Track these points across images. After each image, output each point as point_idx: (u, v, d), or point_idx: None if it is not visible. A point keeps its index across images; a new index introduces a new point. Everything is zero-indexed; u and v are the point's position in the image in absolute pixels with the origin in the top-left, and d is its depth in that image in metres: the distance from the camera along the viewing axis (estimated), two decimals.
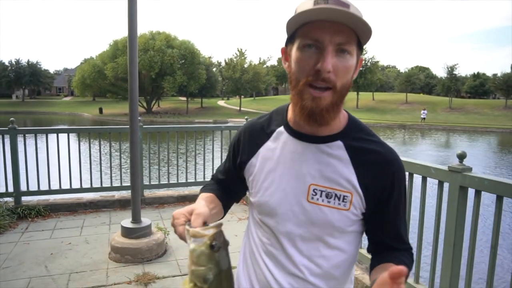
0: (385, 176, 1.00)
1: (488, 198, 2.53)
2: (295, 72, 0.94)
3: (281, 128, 1.06)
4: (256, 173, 1.09)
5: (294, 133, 1.03)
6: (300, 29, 0.91)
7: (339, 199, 0.98)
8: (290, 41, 0.96)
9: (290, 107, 1.06)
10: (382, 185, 1.00)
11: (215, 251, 0.79)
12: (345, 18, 0.86)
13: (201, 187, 1.30)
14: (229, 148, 1.21)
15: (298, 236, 1.03)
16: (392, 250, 1.06)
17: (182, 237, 0.88)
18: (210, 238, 0.79)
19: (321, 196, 0.99)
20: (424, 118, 44.33)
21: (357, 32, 0.90)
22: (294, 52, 0.94)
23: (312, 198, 0.99)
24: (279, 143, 1.05)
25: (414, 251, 2.88)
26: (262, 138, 1.09)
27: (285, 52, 0.99)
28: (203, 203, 0.97)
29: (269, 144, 1.07)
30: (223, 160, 1.28)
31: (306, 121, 0.94)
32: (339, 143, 1.00)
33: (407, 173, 2.89)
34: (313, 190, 0.99)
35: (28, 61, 77.04)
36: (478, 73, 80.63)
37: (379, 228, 1.06)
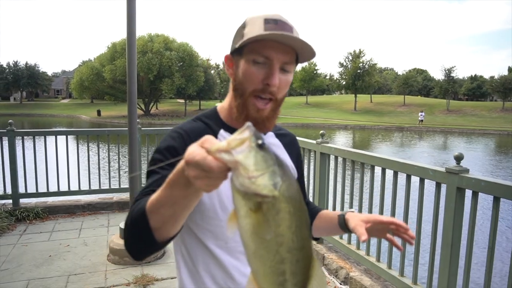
0: (296, 149, 1.32)
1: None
2: (243, 82, 1.05)
3: (222, 131, 1.12)
4: None
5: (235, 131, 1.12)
6: (251, 44, 1.02)
7: None
8: (238, 52, 1.06)
9: (222, 111, 1.16)
10: (296, 156, 1.30)
11: (266, 150, 0.66)
12: (294, 42, 1.00)
13: None
14: (168, 155, 1.03)
15: None
16: (308, 204, 1.33)
17: (213, 167, 0.64)
18: (253, 139, 0.65)
19: None
20: (422, 120, 44.41)
21: (298, 53, 1.05)
22: (243, 64, 1.05)
23: None
24: None
25: (412, 252, 2.89)
26: None
27: (231, 59, 1.10)
28: None
29: None
30: (153, 175, 1.01)
31: None
32: (271, 133, 1.22)
33: (404, 175, 2.91)
34: None
35: (26, 63, 76.90)
36: (475, 75, 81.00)
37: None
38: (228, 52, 1.12)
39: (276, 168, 0.65)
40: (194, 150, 0.67)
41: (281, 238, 0.66)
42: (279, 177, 0.65)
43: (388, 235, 1.10)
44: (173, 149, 1.04)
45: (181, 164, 0.73)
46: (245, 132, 0.66)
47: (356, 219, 1.10)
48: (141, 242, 0.86)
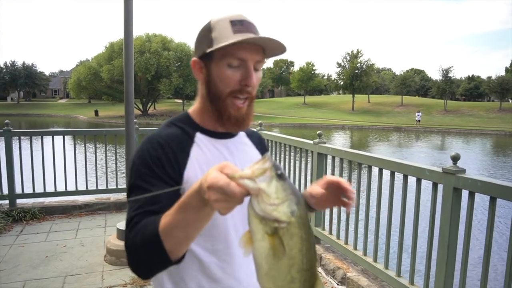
0: (264, 146, 1.34)
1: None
2: (218, 86, 1.07)
3: (198, 134, 1.13)
4: (198, 178, 0.97)
5: (213, 134, 1.14)
6: (223, 48, 1.02)
7: None
8: (207, 56, 1.07)
9: (195, 114, 1.15)
10: (264, 151, 1.28)
11: (284, 179, 0.73)
12: (265, 42, 1.04)
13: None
14: (153, 167, 1.00)
15: (240, 223, 1.08)
16: None
17: (236, 193, 0.71)
18: (273, 169, 0.73)
19: None
20: (419, 121, 44.52)
21: (265, 49, 1.08)
22: (216, 67, 1.06)
23: None
24: (204, 147, 1.11)
25: (409, 252, 2.88)
26: (188, 144, 1.09)
27: (199, 64, 1.10)
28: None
29: (196, 148, 1.09)
30: (142, 191, 0.98)
31: (233, 127, 1.12)
32: (242, 133, 1.24)
33: (401, 175, 2.91)
34: None
35: (24, 63, 76.81)
36: (473, 75, 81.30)
37: None
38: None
39: (293, 197, 0.73)
40: (217, 176, 0.72)
41: (292, 260, 0.73)
42: (295, 205, 0.72)
43: (342, 199, 1.08)
44: (157, 159, 1.02)
45: (194, 188, 0.78)
46: (267, 163, 0.73)
47: (311, 185, 1.14)
48: (156, 263, 0.88)
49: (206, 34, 1.07)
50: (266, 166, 0.72)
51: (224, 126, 1.11)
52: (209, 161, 1.08)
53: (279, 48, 1.07)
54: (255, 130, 1.36)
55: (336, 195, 1.08)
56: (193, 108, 1.18)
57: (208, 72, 1.08)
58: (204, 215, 0.80)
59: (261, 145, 1.32)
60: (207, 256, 1.06)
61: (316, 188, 1.09)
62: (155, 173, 1.00)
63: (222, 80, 1.05)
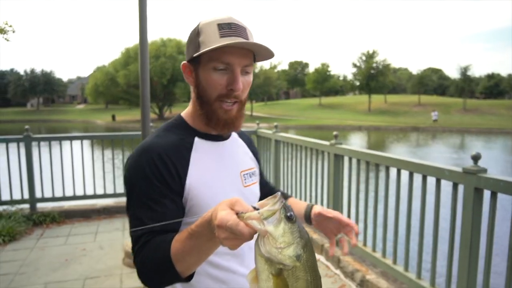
0: (254, 147, 1.36)
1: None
2: (206, 90, 1.07)
3: (196, 139, 1.13)
4: (200, 183, 1.07)
5: (210, 137, 1.15)
6: (209, 52, 1.03)
7: (254, 175, 1.26)
8: (195, 60, 1.08)
9: (189, 118, 1.17)
10: (255, 152, 1.35)
11: (294, 222, 0.73)
12: (252, 46, 1.05)
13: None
14: (156, 182, 1.01)
15: None
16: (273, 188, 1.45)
17: (245, 234, 0.72)
18: (283, 211, 0.72)
19: (250, 177, 1.23)
20: (435, 120, 43.80)
21: (254, 53, 1.09)
22: (203, 71, 1.06)
23: (246, 182, 1.20)
24: (202, 152, 1.12)
25: (429, 255, 2.81)
26: (187, 151, 1.10)
27: (189, 67, 1.12)
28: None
29: (195, 154, 1.10)
30: (145, 210, 1.01)
31: (222, 130, 1.12)
32: (234, 134, 1.27)
33: (420, 175, 2.85)
34: (243, 176, 1.20)
35: (42, 70, 78.42)
36: (492, 73, 79.67)
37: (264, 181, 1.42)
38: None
39: (300, 240, 0.72)
40: (226, 215, 0.73)
41: None
42: (301, 249, 0.72)
43: (333, 241, 1.21)
44: (158, 173, 1.02)
45: (205, 218, 0.81)
46: (276, 204, 0.72)
47: (320, 208, 1.23)
48: (167, 282, 0.94)
49: (194, 38, 1.08)
50: (276, 208, 0.72)
51: (214, 129, 1.12)
52: (209, 167, 1.11)
53: (267, 52, 1.08)
54: (244, 131, 1.40)
55: (337, 229, 1.20)
56: (186, 112, 1.18)
57: (197, 76, 1.09)
58: (214, 242, 0.82)
59: (252, 144, 1.36)
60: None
61: (326, 211, 1.20)
62: (158, 189, 1.01)
63: (209, 84, 1.06)
